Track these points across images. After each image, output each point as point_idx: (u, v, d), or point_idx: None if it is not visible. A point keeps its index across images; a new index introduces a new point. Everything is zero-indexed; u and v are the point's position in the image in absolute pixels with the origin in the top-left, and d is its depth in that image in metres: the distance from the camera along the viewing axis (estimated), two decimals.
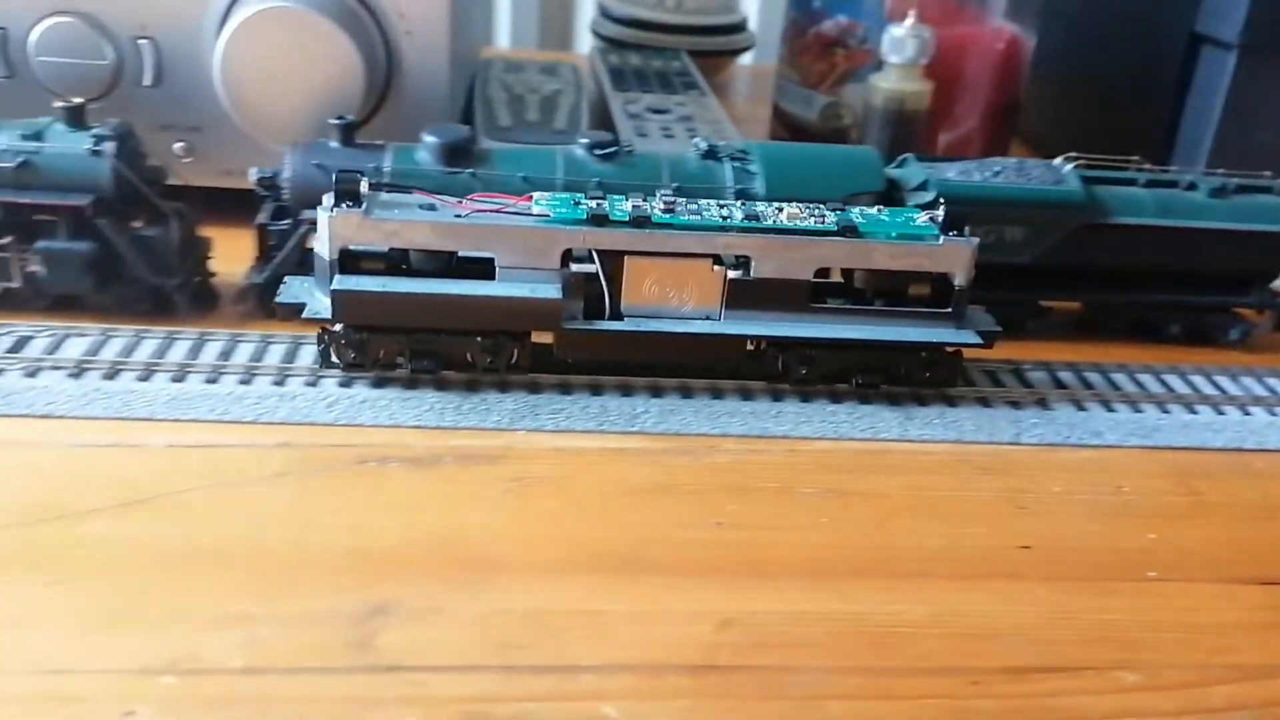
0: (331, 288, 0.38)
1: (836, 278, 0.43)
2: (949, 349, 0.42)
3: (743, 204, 0.41)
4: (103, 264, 0.41)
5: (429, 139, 0.43)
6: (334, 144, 0.43)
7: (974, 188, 0.45)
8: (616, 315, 0.40)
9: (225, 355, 0.40)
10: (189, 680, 0.27)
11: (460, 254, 0.39)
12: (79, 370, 0.38)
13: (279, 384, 0.39)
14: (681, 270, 0.40)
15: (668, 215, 0.40)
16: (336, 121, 0.43)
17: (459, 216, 0.39)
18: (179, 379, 0.38)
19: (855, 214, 0.41)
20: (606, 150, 0.44)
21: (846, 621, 0.31)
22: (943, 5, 0.61)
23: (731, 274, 0.40)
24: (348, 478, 0.35)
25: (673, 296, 0.40)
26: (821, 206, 0.41)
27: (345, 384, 0.39)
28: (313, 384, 0.39)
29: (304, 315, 0.39)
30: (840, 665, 0.29)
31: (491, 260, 0.39)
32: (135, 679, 0.27)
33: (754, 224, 0.40)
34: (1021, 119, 0.67)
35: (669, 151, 0.45)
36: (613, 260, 0.40)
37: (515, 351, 0.40)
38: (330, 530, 0.33)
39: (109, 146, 0.40)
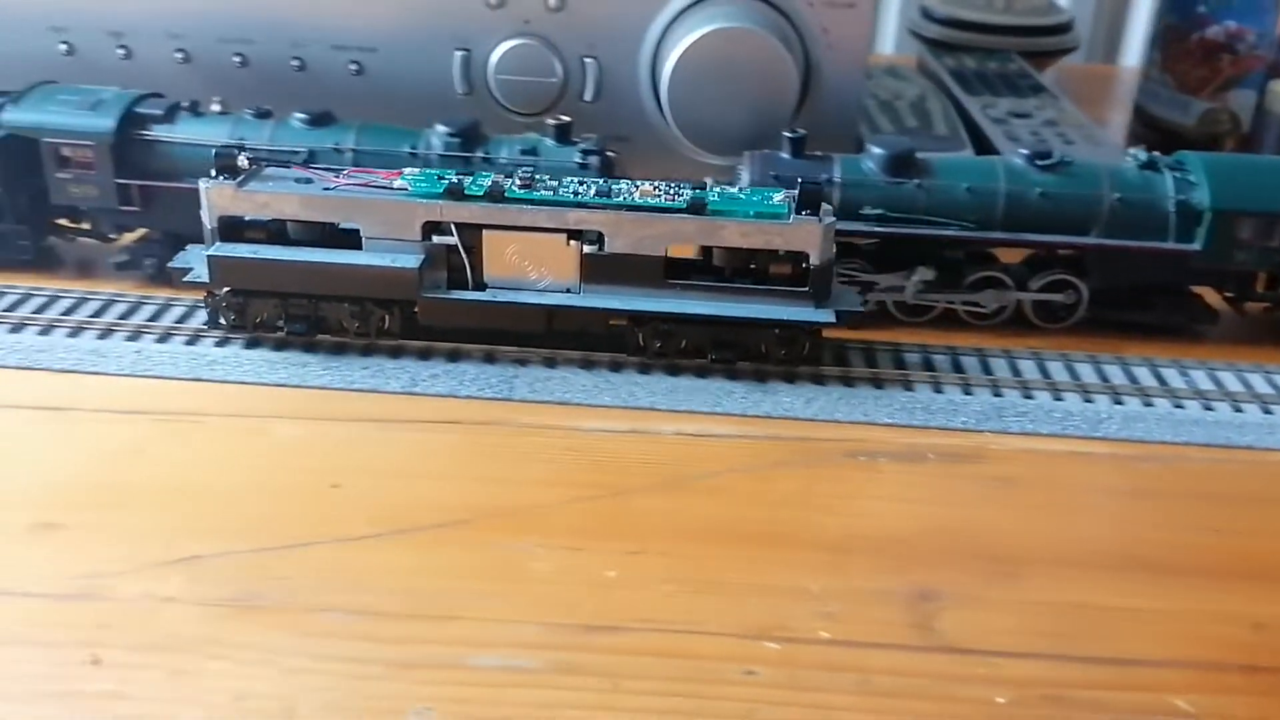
0: (207, 253, 0.41)
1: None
2: (808, 327, 0.42)
3: (602, 180, 0.42)
4: None
5: (875, 150, 0.45)
6: (785, 155, 0.46)
7: None
8: (480, 286, 0.42)
9: None
10: (788, 647, 0.30)
11: (341, 225, 0.41)
12: (587, 362, 0.42)
13: (760, 380, 0.42)
14: (538, 244, 0.41)
15: (523, 190, 0.41)
16: (789, 135, 0.46)
17: (327, 189, 0.41)
18: (672, 373, 0.42)
19: (712, 193, 0.41)
20: (1048, 161, 0.45)
21: None
22: None
23: (587, 249, 0.41)
24: (843, 469, 0.38)
25: (531, 269, 0.42)
26: (682, 184, 0.42)
27: (819, 381, 0.42)
28: (789, 381, 0.42)
29: (185, 279, 0.42)
30: None
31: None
32: (743, 642, 0.30)
33: (605, 200, 0.41)
34: None
35: (1107, 162, 0.46)
36: (472, 233, 0.41)
37: (385, 318, 0.42)
38: (847, 516, 0.36)
39: (595, 160, 0.45)
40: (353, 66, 0.52)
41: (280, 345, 0.42)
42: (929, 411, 0.41)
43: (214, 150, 0.41)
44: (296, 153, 0.44)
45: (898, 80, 0.70)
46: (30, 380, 0.40)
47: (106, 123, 0.43)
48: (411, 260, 0.41)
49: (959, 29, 0.83)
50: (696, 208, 0.40)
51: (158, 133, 0.44)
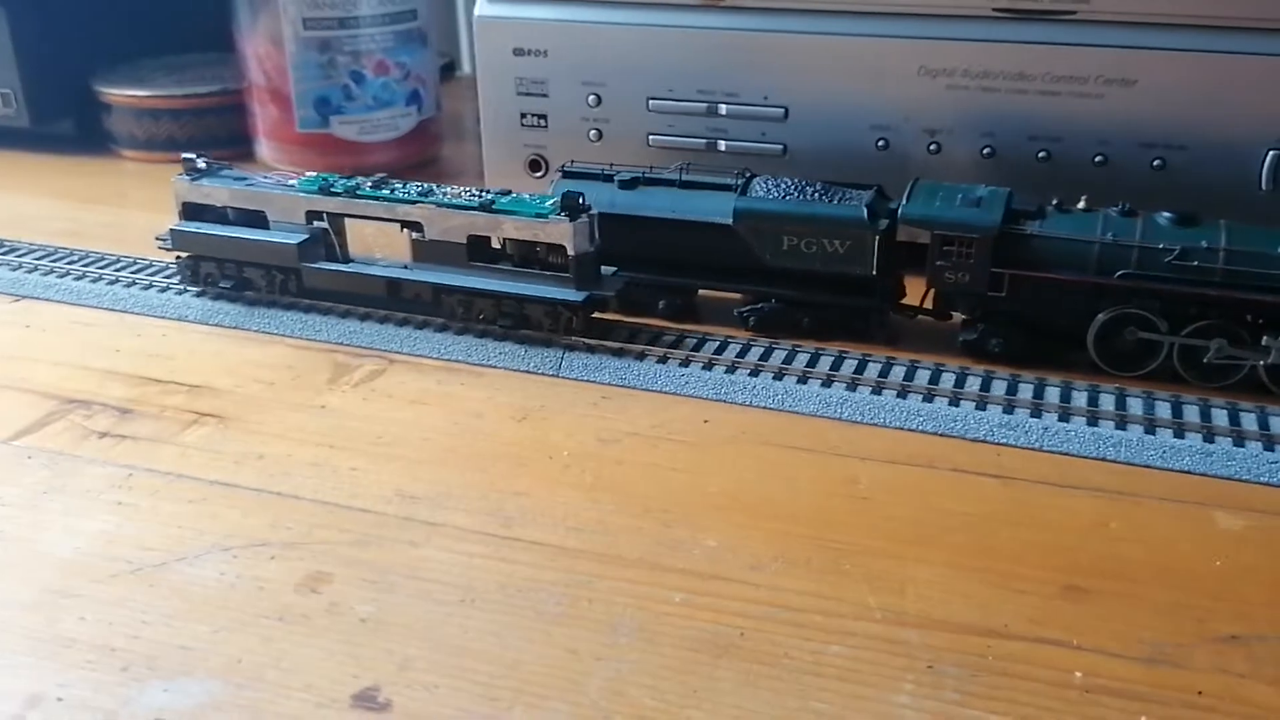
0: (170, 228, 0.57)
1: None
2: (565, 305, 0.51)
3: (427, 185, 0.54)
4: None
5: None
6: None
7: None
8: (346, 260, 0.56)
9: None
10: None
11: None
12: None
13: None
14: (384, 231, 0.55)
15: (373, 190, 0.54)
16: None
17: (248, 186, 0.56)
18: None
19: (507, 198, 0.52)
20: None
21: None
22: None
23: (413, 235, 0.53)
24: None
25: (378, 249, 0.56)
26: (486, 190, 0.53)
27: None
28: None
29: (159, 245, 0.57)
30: None
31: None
32: None
33: (424, 198, 0.53)
34: None
35: None
36: (339, 220, 0.55)
37: (285, 281, 0.56)
38: None
39: None
40: (1156, 163, 0.55)
41: (1127, 425, 0.44)
42: None
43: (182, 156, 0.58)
44: (1170, 250, 0.47)
45: None
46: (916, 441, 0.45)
47: (993, 218, 0.49)
48: (295, 238, 0.55)
49: None
50: (485, 206, 0.52)
51: (1032, 228, 0.49)
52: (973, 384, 0.48)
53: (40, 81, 0.82)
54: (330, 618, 0.35)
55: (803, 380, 0.48)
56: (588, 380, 0.50)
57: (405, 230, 0.54)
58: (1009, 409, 0.46)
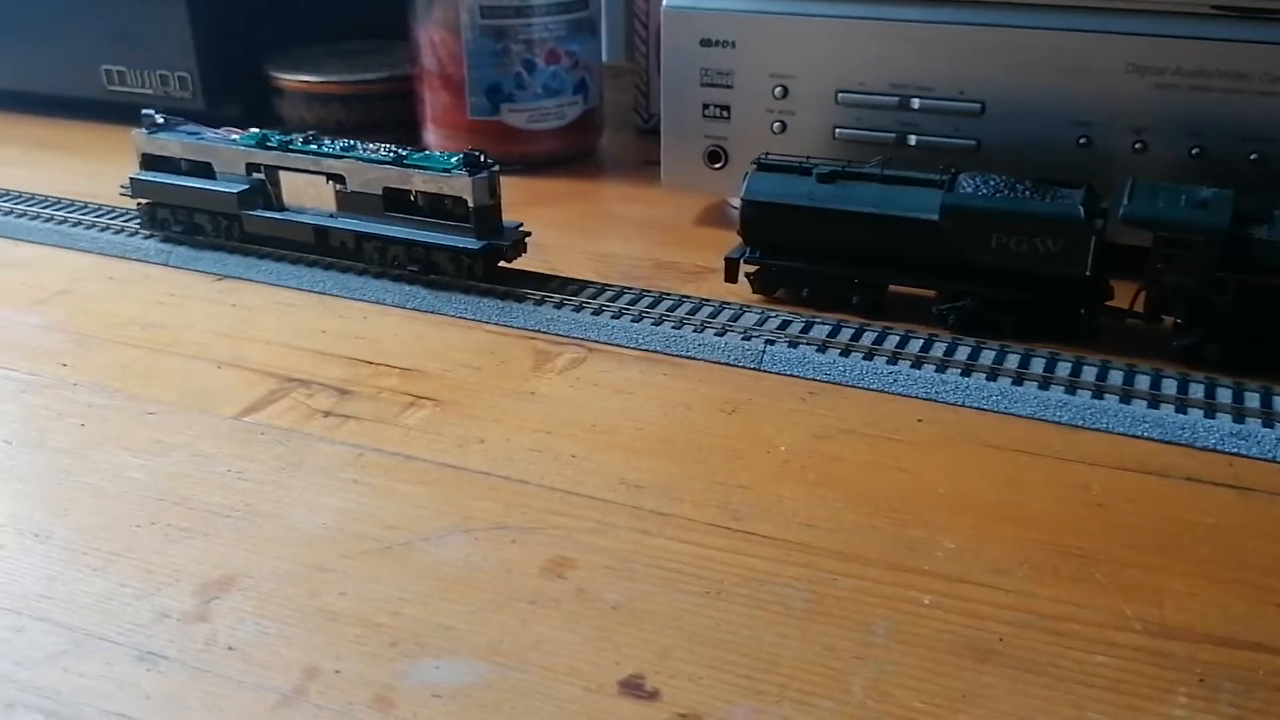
0: (130, 176, 0.63)
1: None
2: (464, 253, 0.56)
3: (351, 143, 0.59)
4: None
5: None
6: None
7: None
8: (281, 208, 0.60)
9: None
10: None
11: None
12: None
13: None
14: (311, 182, 0.59)
15: (303, 145, 0.59)
16: None
17: (198, 140, 0.61)
18: None
19: (419, 154, 0.57)
20: None
21: None
22: None
23: (337, 187, 0.58)
24: None
25: (308, 199, 0.60)
26: (401, 148, 0.58)
27: None
28: None
29: (121, 193, 0.63)
30: None
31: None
32: None
33: (344, 153, 0.58)
34: None
35: None
36: (274, 172, 0.60)
37: (230, 226, 0.61)
38: None
39: None
40: None
41: None
42: None
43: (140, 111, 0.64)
44: None
45: None
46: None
47: (1221, 220, 0.47)
48: (235, 187, 0.60)
49: None
50: (398, 161, 0.57)
51: (1260, 232, 0.47)
52: (1196, 391, 0.46)
53: (215, 66, 0.85)
54: (580, 603, 0.36)
55: (1018, 381, 0.47)
56: (791, 375, 0.50)
57: (330, 182, 0.59)
58: (1239, 418, 0.44)
